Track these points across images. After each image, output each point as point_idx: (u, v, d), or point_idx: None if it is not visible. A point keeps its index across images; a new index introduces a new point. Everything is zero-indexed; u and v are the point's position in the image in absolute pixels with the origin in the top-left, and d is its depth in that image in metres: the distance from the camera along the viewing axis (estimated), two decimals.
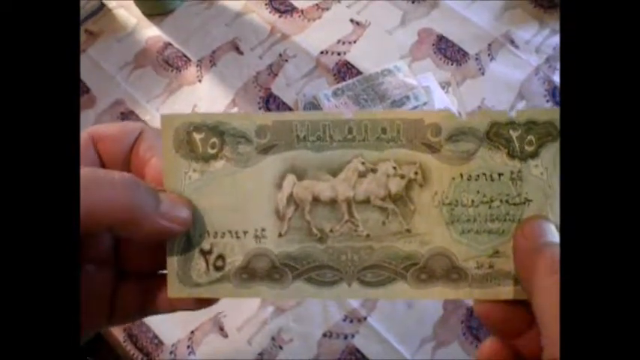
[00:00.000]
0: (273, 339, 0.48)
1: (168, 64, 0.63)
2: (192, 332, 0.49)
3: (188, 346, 0.49)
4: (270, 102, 0.60)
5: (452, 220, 0.23)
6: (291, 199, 0.23)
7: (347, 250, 0.23)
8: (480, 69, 0.60)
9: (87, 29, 0.65)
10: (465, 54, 0.61)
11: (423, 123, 0.23)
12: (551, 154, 0.23)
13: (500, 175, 0.23)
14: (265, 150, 0.23)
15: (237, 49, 0.63)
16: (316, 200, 0.23)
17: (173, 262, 0.23)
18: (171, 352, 0.49)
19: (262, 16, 0.65)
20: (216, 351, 0.48)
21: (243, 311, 0.50)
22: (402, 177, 0.23)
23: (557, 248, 0.20)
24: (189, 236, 0.23)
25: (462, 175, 0.23)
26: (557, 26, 0.62)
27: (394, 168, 0.23)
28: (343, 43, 0.62)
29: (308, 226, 0.23)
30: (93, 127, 0.24)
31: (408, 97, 0.56)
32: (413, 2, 0.65)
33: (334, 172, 0.23)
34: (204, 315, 0.50)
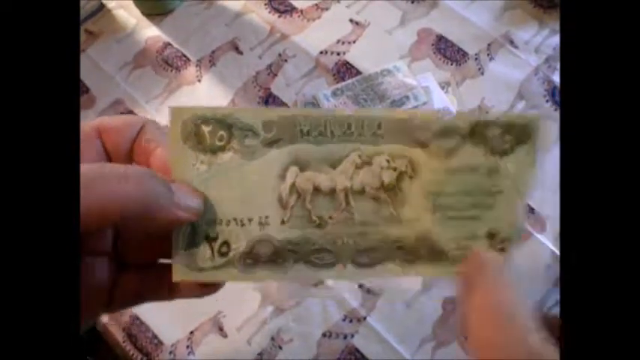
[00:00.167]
0: (272, 339, 0.48)
1: (167, 64, 0.63)
2: (191, 332, 0.49)
3: (187, 346, 0.49)
4: (270, 102, 0.60)
5: (437, 208, 0.25)
6: (293, 189, 0.25)
7: (343, 235, 0.25)
8: (479, 69, 0.60)
9: (87, 29, 0.65)
10: (465, 54, 0.61)
11: (414, 121, 0.25)
12: (525, 151, 0.25)
13: (478, 168, 0.25)
14: (270, 143, 0.24)
15: (237, 49, 0.63)
16: (317, 190, 0.25)
17: (178, 248, 0.24)
18: (170, 352, 0.49)
19: (262, 16, 0.65)
20: (215, 351, 0.48)
21: (242, 311, 0.50)
22: (395, 169, 0.25)
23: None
24: (195, 224, 0.24)
25: (446, 169, 0.25)
26: (557, 26, 0.62)
27: (387, 161, 0.25)
28: (343, 43, 0.62)
29: (309, 214, 0.25)
30: (98, 118, 0.25)
31: (407, 97, 0.56)
32: (412, 2, 0.65)
33: (334, 165, 0.25)
34: (203, 315, 0.50)
